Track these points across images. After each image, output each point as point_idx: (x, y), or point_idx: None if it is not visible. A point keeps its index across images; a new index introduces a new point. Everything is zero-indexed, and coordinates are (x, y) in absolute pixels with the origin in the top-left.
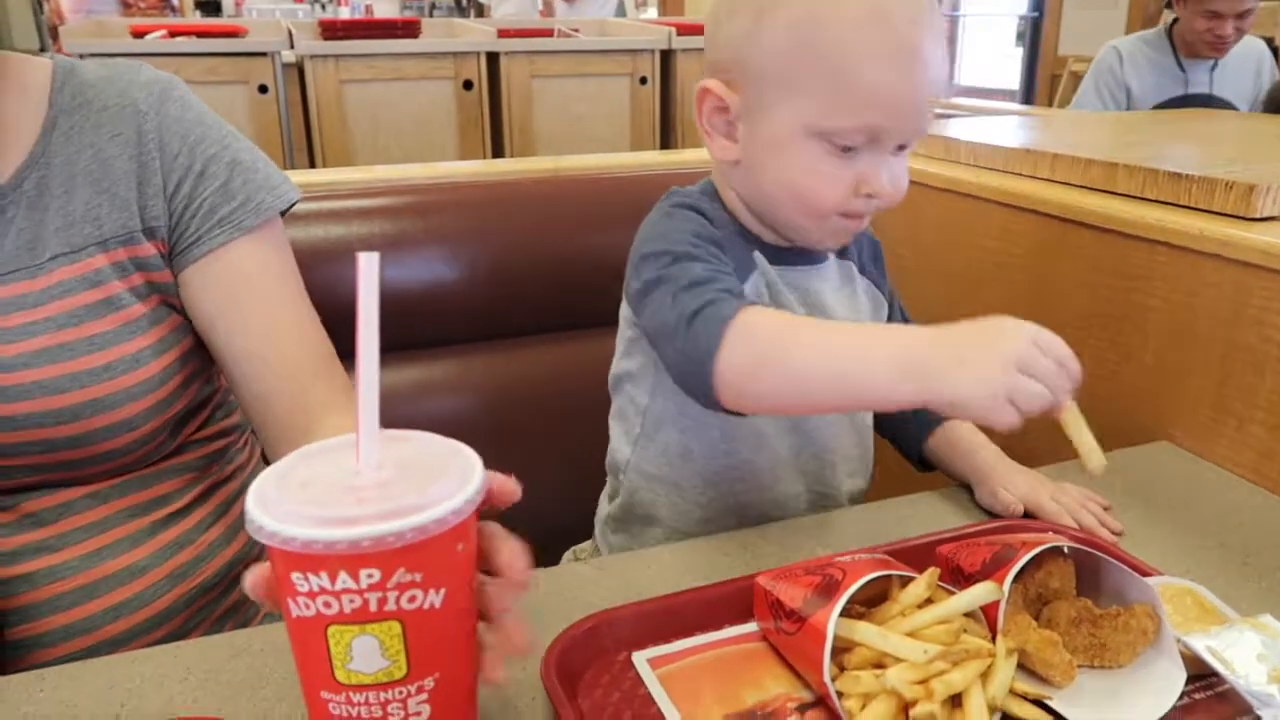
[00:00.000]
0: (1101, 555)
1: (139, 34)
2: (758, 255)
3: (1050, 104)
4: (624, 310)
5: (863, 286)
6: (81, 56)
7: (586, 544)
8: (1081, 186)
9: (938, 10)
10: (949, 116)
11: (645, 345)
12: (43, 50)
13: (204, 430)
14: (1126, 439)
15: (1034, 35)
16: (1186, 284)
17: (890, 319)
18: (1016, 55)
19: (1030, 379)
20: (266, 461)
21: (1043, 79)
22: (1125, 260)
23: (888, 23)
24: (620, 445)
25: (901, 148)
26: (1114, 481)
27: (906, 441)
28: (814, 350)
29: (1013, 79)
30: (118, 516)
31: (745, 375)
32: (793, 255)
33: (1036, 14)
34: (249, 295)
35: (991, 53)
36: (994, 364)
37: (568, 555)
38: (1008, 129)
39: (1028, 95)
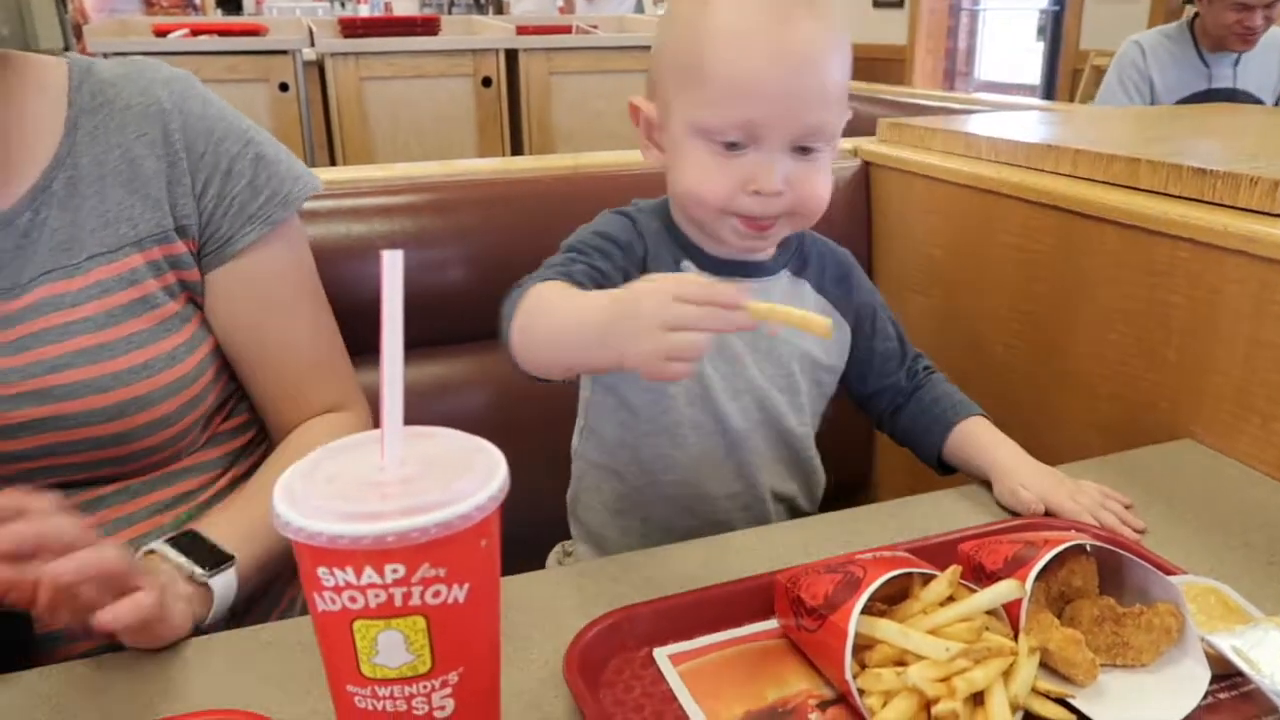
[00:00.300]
0: (1124, 553)
1: (161, 33)
2: (686, 264)
3: (1072, 99)
4: None
5: (814, 302)
6: (105, 55)
7: (572, 541)
8: (1104, 182)
9: (824, 12)
10: (969, 112)
11: None
12: (66, 49)
13: (227, 424)
14: (1149, 436)
15: (1055, 29)
16: (1210, 280)
17: (867, 335)
18: (1038, 50)
19: (682, 332)
20: None
21: (1064, 74)
22: (1148, 257)
23: (752, 16)
24: (576, 440)
25: (805, 151)
26: (1136, 479)
27: (924, 444)
28: (556, 316)
29: (1034, 74)
30: (146, 510)
31: (520, 339)
32: (734, 267)
33: (1058, 8)
34: (275, 293)
35: (1012, 47)
36: (644, 336)
37: (555, 550)
38: (1029, 124)
39: (1049, 90)
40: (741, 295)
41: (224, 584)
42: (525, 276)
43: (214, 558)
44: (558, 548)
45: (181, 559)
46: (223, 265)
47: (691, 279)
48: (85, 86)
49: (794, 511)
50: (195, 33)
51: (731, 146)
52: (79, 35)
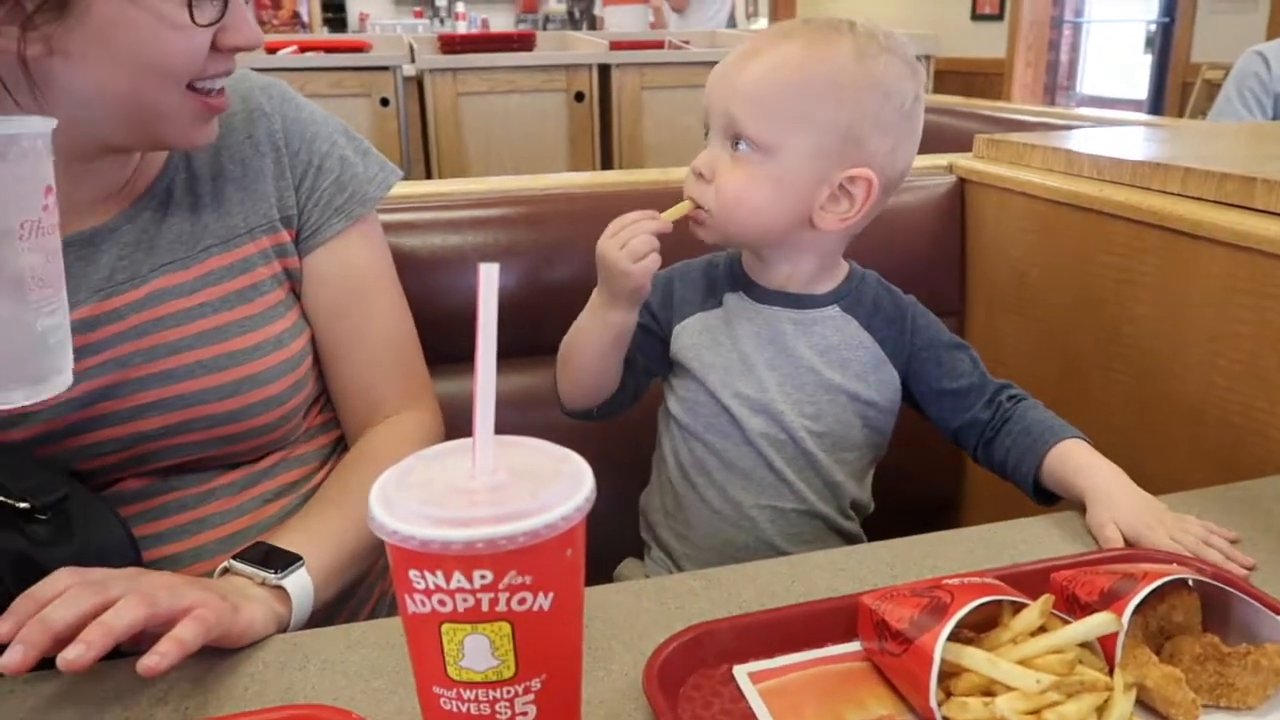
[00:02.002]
0: (1230, 590)
1: (272, 50)
2: (730, 297)
3: (1181, 114)
4: None
5: (858, 340)
6: None
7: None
8: (1215, 202)
9: (824, 44)
10: (1070, 128)
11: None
12: None
13: (321, 417)
14: (1257, 468)
15: (1164, 42)
16: None
17: (932, 376)
18: (1145, 63)
19: (629, 244)
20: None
21: (1173, 88)
22: (1261, 279)
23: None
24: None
25: (736, 148)
26: (1244, 513)
27: (1020, 473)
28: (574, 331)
29: (1141, 88)
30: (252, 503)
31: (561, 374)
32: (783, 298)
33: (1167, 19)
34: (355, 283)
35: (1118, 60)
36: (611, 265)
37: (626, 563)
38: (1134, 140)
39: (1156, 105)
40: (650, 213)
41: (298, 584)
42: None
43: (281, 561)
44: (626, 562)
45: (249, 569)
46: (310, 254)
47: (633, 216)
48: None
49: (833, 529)
50: (303, 49)
51: (706, 134)
52: None
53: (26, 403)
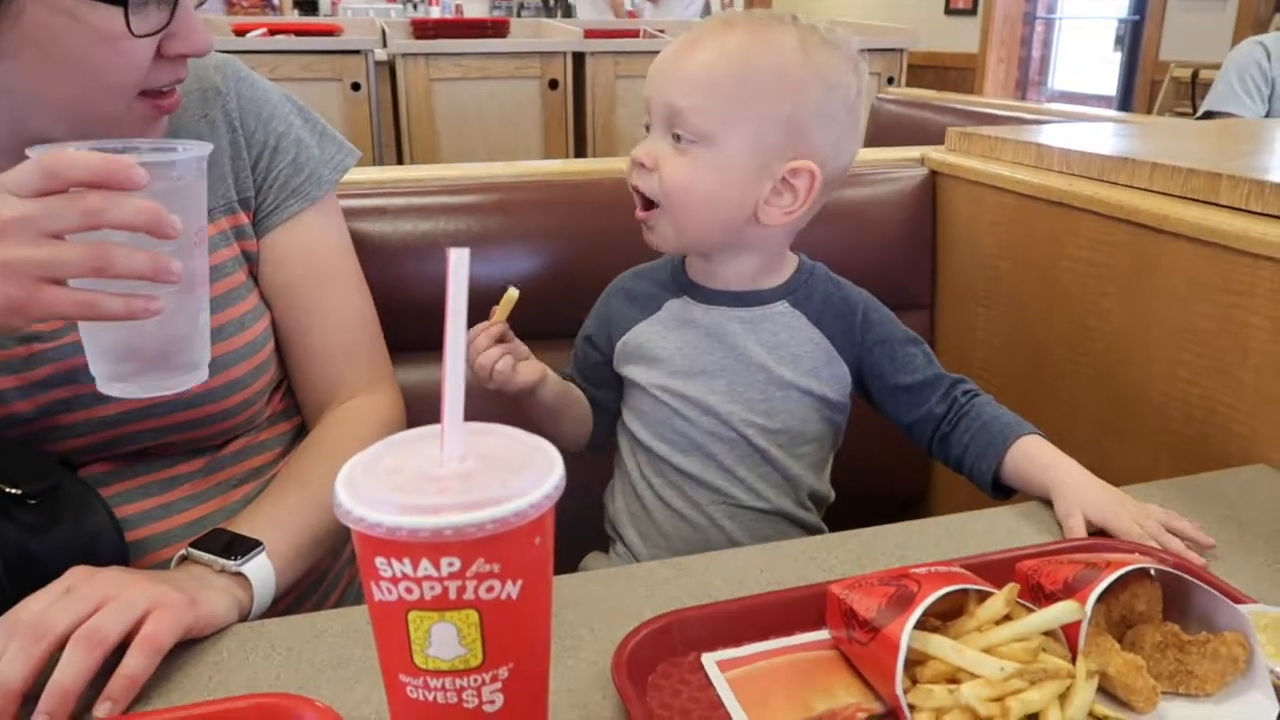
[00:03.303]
0: (1191, 579)
1: (240, 32)
2: (672, 302)
3: (1150, 111)
4: None
5: (807, 335)
6: None
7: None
8: (1181, 197)
9: (763, 34)
10: (1041, 122)
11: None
12: None
13: (283, 403)
14: (1220, 460)
15: (1134, 39)
16: None
17: (885, 372)
18: (1115, 60)
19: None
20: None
21: (1142, 85)
22: (1226, 275)
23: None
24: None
25: (678, 140)
26: (1206, 504)
27: (979, 469)
28: None
29: (1110, 84)
30: (218, 488)
31: None
32: (730, 297)
33: (1137, 17)
34: (313, 263)
35: (1088, 57)
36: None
37: (591, 555)
38: (1103, 136)
39: (1126, 101)
40: (482, 326)
41: (258, 569)
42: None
43: (240, 547)
44: (591, 555)
45: (208, 556)
46: (266, 235)
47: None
48: None
49: (794, 522)
50: (273, 32)
51: (647, 130)
52: None
53: (180, 389)
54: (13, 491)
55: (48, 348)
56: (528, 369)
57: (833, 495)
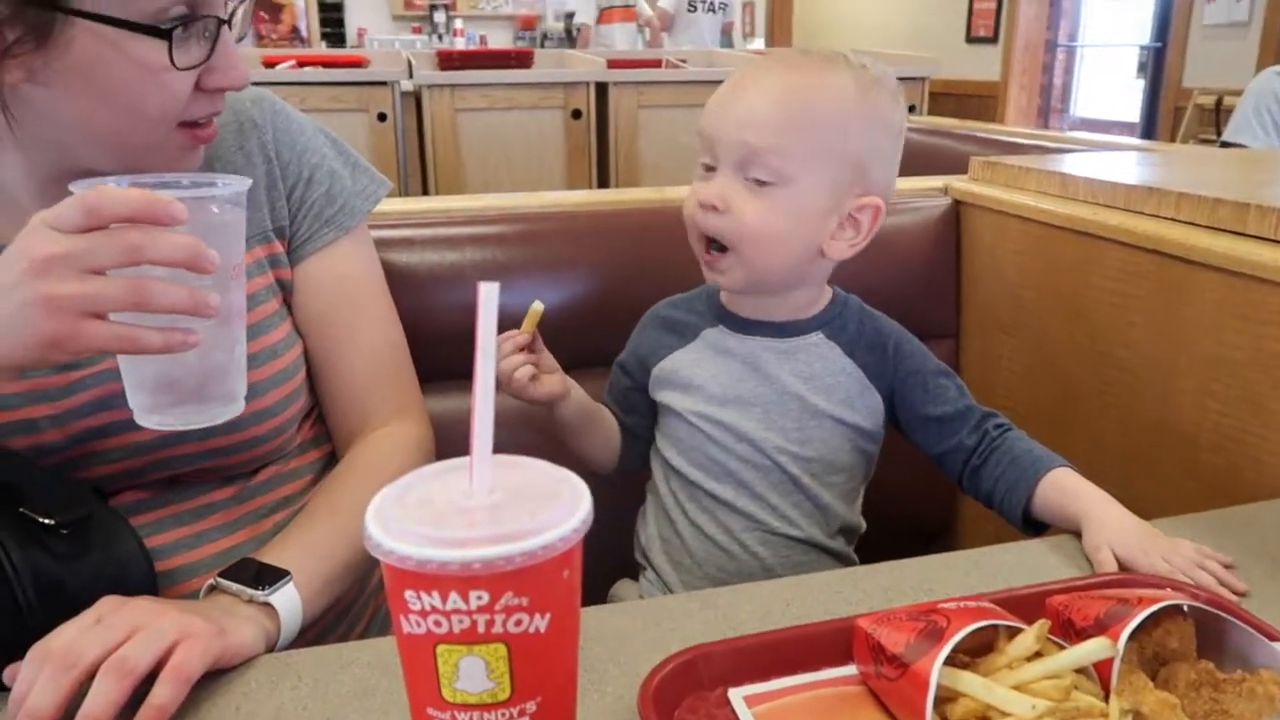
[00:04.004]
0: (1225, 616)
1: (270, 64)
2: (709, 331)
3: (1173, 139)
4: None
5: (841, 366)
6: None
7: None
8: (1208, 227)
9: (818, 71)
10: (1064, 150)
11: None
12: None
13: (314, 431)
14: (1251, 493)
15: (1157, 66)
16: None
17: (917, 402)
18: (1137, 87)
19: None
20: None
21: (1165, 112)
22: (1255, 305)
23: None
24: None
25: (759, 184)
26: (1238, 538)
27: (1009, 502)
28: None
29: (1133, 111)
30: (249, 517)
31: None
32: (765, 327)
33: (1159, 44)
34: (344, 291)
35: (1111, 84)
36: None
37: (620, 584)
38: (1128, 165)
39: (1149, 129)
40: (509, 335)
41: (285, 599)
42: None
43: (268, 577)
44: (621, 583)
45: (236, 586)
46: (299, 264)
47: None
48: None
49: (825, 552)
50: (301, 64)
51: (708, 170)
52: None
53: (217, 420)
54: (45, 521)
55: (84, 375)
56: (550, 382)
57: (863, 526)
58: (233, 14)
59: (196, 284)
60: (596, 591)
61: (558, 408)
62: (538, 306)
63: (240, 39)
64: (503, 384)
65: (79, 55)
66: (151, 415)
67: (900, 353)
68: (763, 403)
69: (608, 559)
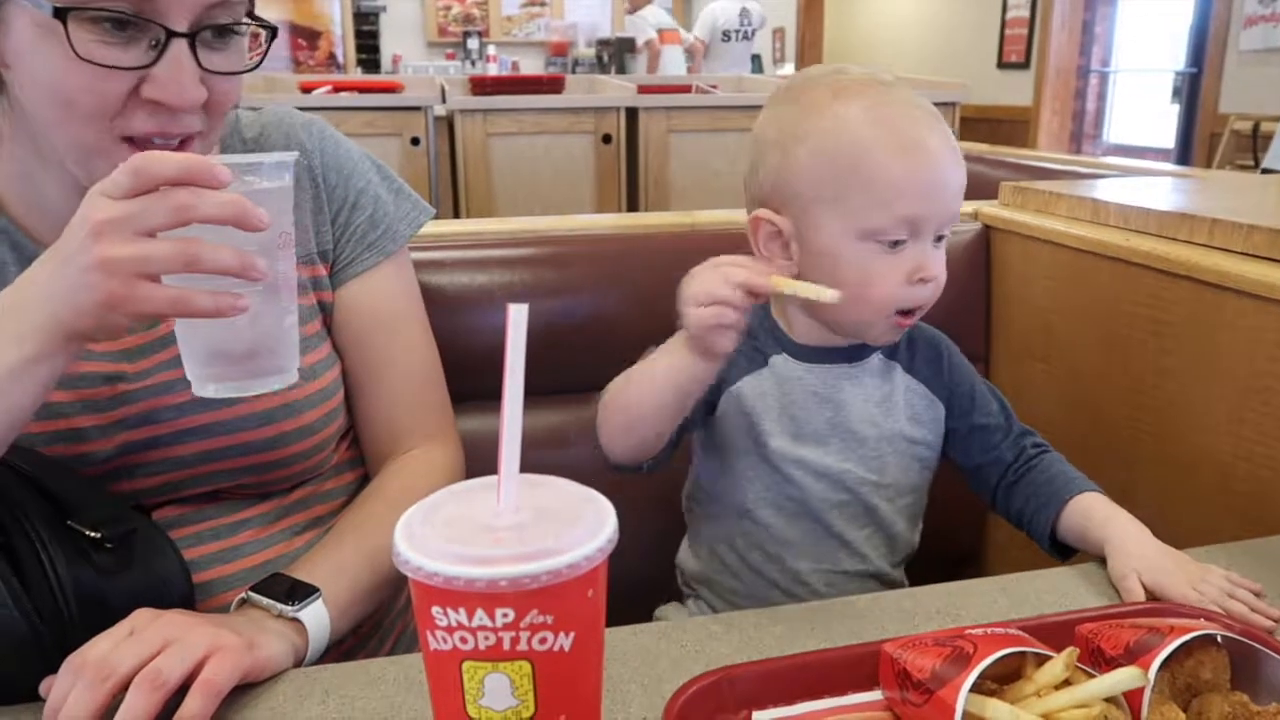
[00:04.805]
0: (1259, 647)
1: (307, 89)
2: (776, 359)
3: (1209, 165)
4: None
5: (905, 384)
6: (251, 109)
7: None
8: (1242, 254)
9: (936, 113)
10: (1096, 176)
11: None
12: None
13: (349, 453)
14: None
15: (1192, 92)
16: None
17: (964, 411)
18: (1173, 112)
19: (716, 307)
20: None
21: (1201, 138)
22: None
23: (890, 124)
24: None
25: (940, 238)
26: (1272, 567)
27: (1037, 522)
28: (619, 382)
29: (1168, 137)
30: (282, 534)
31: (604, 431)
32: (826, 354)
33: (1195, 70)
34: (384, 314)
35: (1145, 110)
36: (688, 313)
37: (663, 608)
38: (1161, 190)
39: (1184, 155)
40: (768, 274)
41: (314, 616)
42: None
43: (299, 593)
44: (667, 606)
45: (266, 601)
46: (341, 286)
47: (712, 261)
48: (235, 136)
49: (884, 582)
50: (337, 89)
51: (894, 244)
52: None
53: (271, 389)
54: (92, 534)
55: (132, 388)
56: (731, 342)
57: (916, 544)
58: (198, 33)
59: (244, 247)
60: (639, 613)
61: (695, 369)
62: (834, 294)
63: (254, 67)
64: (703, 314)
65: (19, 36)
66: (207, 384)
67: (953, 361)
68: (839, 433)
69: (651, 578)
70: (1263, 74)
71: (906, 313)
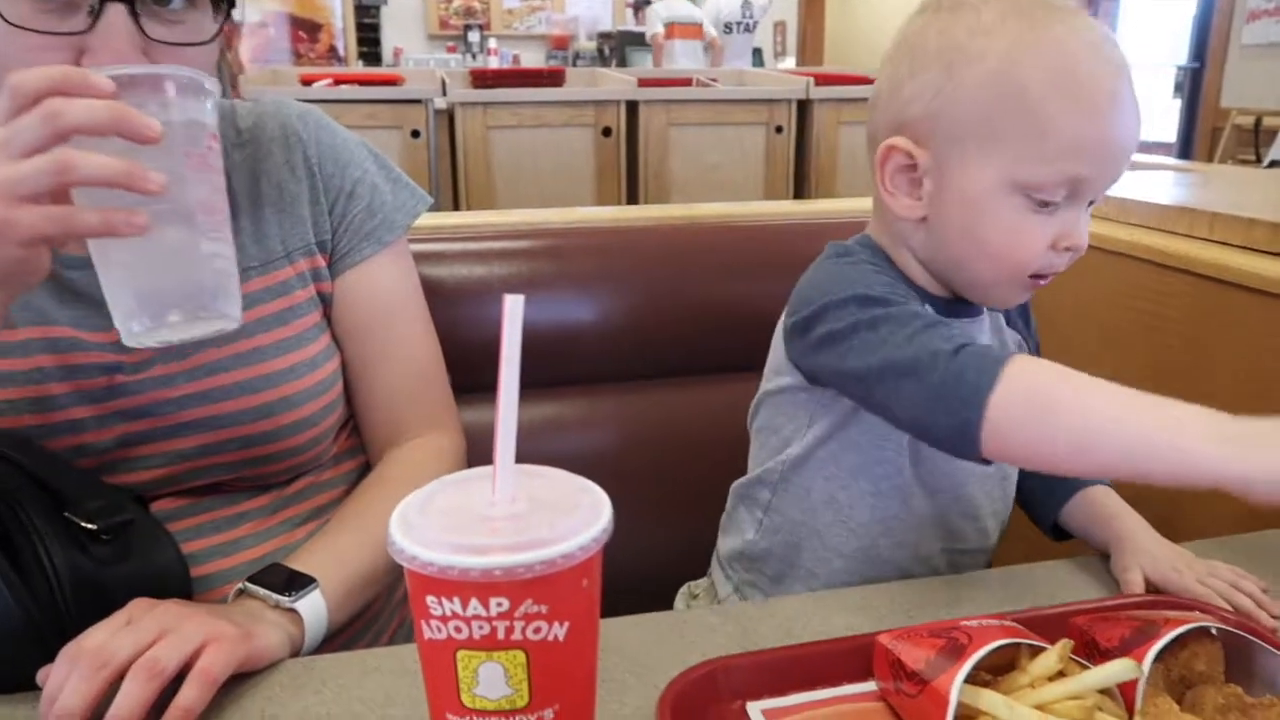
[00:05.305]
0: (1255, 639)
1: (308, 82)
2: (926, 308)
3: (1211, 159)
4: (773, 374)
5: (1012, 339)
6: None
7: (702, 581)
8: (1243, 248)
9: (1127, 60)
10: None
11: (798, 406)
12: (223, 95)
13: (349, 443)
14: None
15: (1194, 86)
16: None
17: None
18: (1174, 107)
19: None
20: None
21: (1202, 133)
22: None
23: (1085, 69)
24: (758, 488)
25: (1091, 201)
26: (1273, 561)
27: (1045, 504)
28: (1107, 411)
29: (1170, 131)
30: (282, 526)
31: (1018, 423)
32: (956, 308)
33: (1197, 64)
34: (383, 304)
35: (1146, 104)
36: None
37: (683, 592)
38: (1162, 185)
39: (1185, 149)
40: None
41: (311, 606)
42: (887, 333)
43: (296, 583)
44: (683, 590)
45: (263, 591)
46: (339, 277)
47: None
48: (230, 125)
49: (978, 562)
50: (338, 82)
51: (1044, 204)
52: (234, 84)
53: (204, 334)
54: (88, 526)
55: (130, 380)
56: None
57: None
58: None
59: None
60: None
61: None
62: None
63: (201, 43)
64: None
65: None
66: (136, 334)
67: (1028, 315)
68: None
69: (675, 566)
70: (1265, 68)
71: (1039, 276)
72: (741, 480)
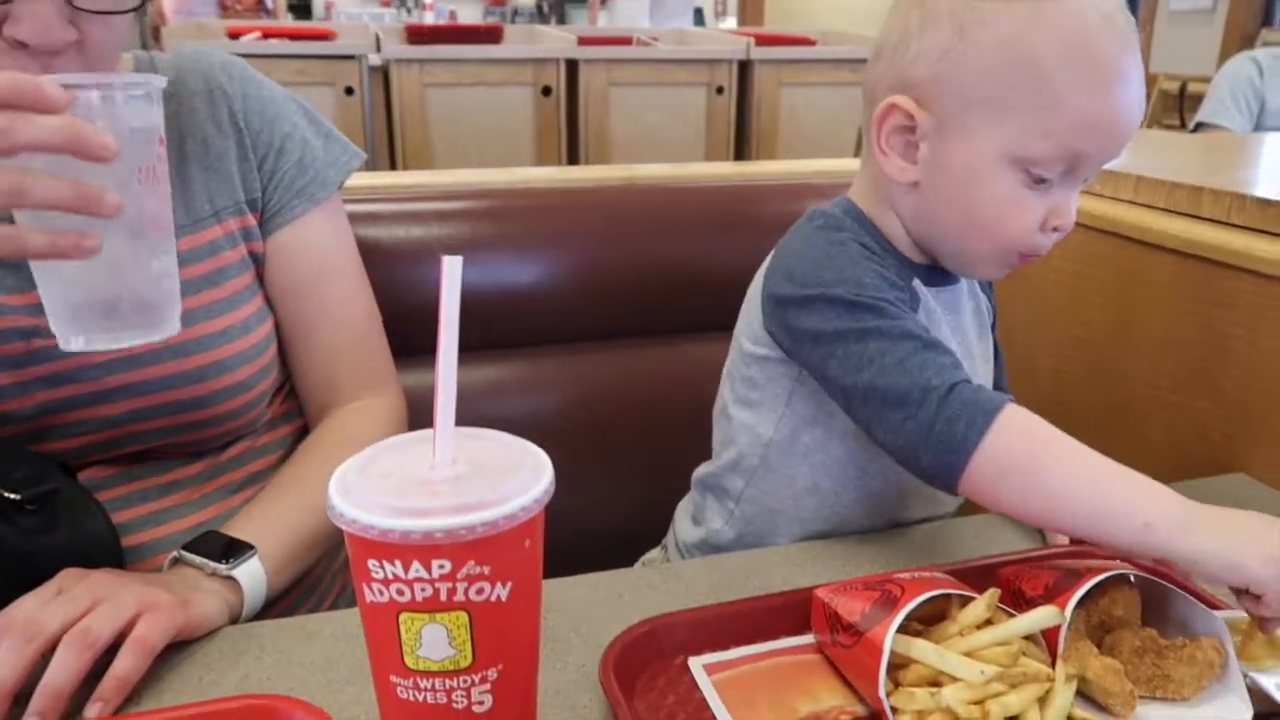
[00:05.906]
0: (1168, 585)
1: (235, 35)
2: (918, 285)
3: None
4: (748, 344)
5: (984, 304)
6: None
7: (655, 552)
8: (1165, 210)
9: (1137, 31)
10: None
11: (774, 382)
12: (144, 48)
13: (285, 405)
14: (1198, 469)
15: None
16: (1274, 313)
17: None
18: None
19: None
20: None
21: None
22: (1208, 287)
23: (1098, 44)
24: (730, 477)
25: (1085, 180)
26: None
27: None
28: (1086, 480)
29: None
30: (217, 493)
31: (998, 476)
32: (938, 275)
33: None
34: (318, 262)
35: None
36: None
37: (640, 565)
38: None
39: None
40: None
41: (249, 573)
42: (878, 351)
43: (233, 551)
44: (640, 562)
45: (199, 559)
46: (271, 236)
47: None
48: None
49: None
50: (266, 35)
51: (1040, 181)
52: (157, 37)
53: (145, 341)
54: (12, 496)
55: (50, 344)
56: None
57: None
58: None
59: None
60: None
61: None
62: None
63: (127, 9)
64: None
65: None
66: (72, 337)
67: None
68: (969, 361)
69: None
70: (1192, 35)
71: (1026, 255)
72: (709, 469)
